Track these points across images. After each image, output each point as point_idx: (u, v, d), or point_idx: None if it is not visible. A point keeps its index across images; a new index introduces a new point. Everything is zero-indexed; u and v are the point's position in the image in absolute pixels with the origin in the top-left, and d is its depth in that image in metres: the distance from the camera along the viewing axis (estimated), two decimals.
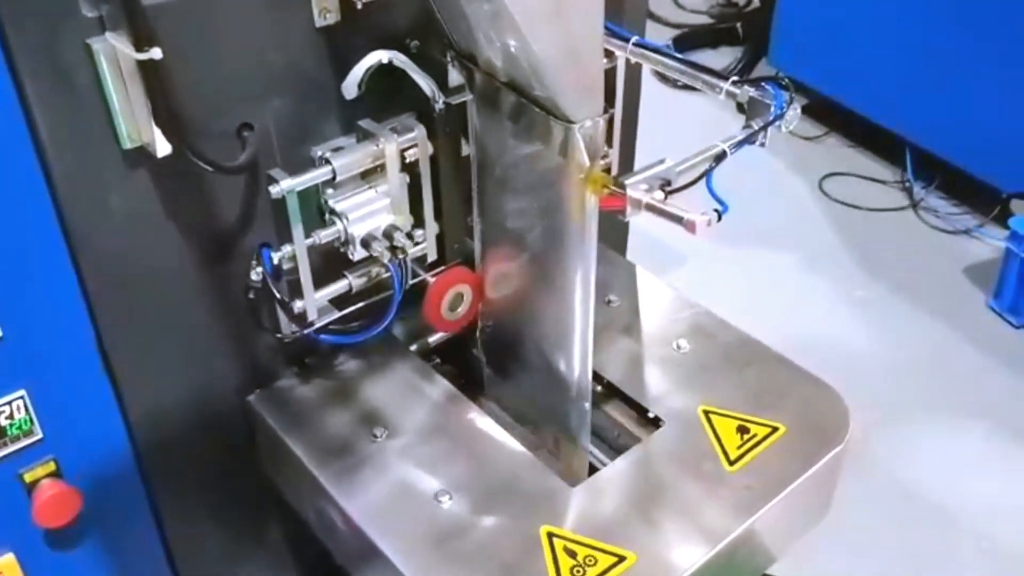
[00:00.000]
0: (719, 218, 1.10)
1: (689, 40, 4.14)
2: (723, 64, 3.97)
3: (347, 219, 1.34)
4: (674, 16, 4.38)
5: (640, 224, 1.98)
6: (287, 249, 1.34)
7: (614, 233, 1.89)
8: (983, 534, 2.18)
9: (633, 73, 1.66)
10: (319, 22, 1.27)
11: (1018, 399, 2.54)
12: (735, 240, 2.89)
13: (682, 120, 2.86)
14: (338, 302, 1.43)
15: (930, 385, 2.59)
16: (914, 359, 2.67)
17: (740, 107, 1.30)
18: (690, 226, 1.08)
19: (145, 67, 1.09)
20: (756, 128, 1.23)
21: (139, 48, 1.06)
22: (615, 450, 1.48)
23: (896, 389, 2.54)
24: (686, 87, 3.93)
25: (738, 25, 4.20)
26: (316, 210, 1.36)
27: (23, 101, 1.11)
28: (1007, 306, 2.79)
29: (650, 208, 1.13)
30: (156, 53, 1.06)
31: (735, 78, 1.30)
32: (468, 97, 1.33)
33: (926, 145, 3.17)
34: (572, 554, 1.23)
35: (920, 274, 2.97)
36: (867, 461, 2.26)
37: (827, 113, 3.48)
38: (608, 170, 1.31)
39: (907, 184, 3.31)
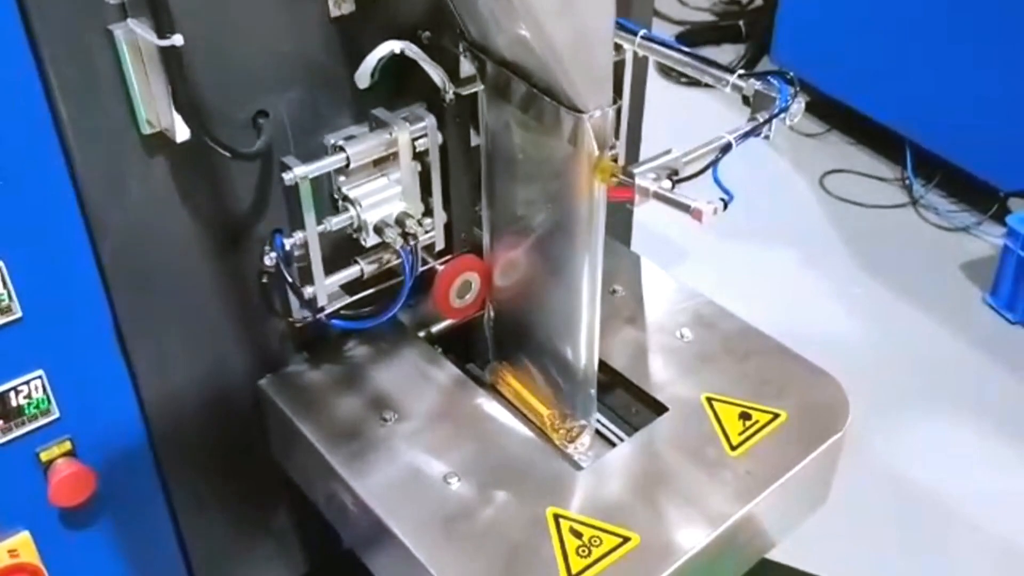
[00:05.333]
0: (725, 207, 1.13)
1: (692, 37, 4.15)
2: (725, 61, 3.97)
3: (360, 206, 1.36)
4: (677, 13, 4.39)
5: (643, 219, 2.02)
6: (299, 235, 1.36)
7: (619, 227, 1.92)
8: (978, 525, 2.20)
9: (639, 68, 1.68)
10: (334, 12, 1.30)
11: (1014, 394, 2.57)
12: (736, 236, 2.92)
13: (685, 117, 2.87)
14: (349, 288, 1.45)
15: (927, 380, 2.61)
16: (912, 354, 2.70)
17: (745, 100, 1.32)
18: (697, 214, 1.10)
19: (166, 53, 1.11)
20: (761, 120, 1.25)
21: (161, 34, 1.08)
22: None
23: (893, 383, 2.57)
24: (689, 84, 3.92)
25: (741, 23, 4.21)
26: (328, 197, 1.39)
27: (45, 86, 1.13)
28: (1004, 302, 2.81)
29: (657, 197, 1.15)
30: (178, 39, 1.08)
31: (741, 71, 1.32)
32: (478, 88, 1.35)
33: (926, 143, 3.19)
34: (578, 535, 1.26)
35: (919, 270, 2.99)
36: (863, 454, 2.28)
37: (828, 111, 3.49)
38: (615, 161, 1.33)
39: (907, 182, 3.33)
